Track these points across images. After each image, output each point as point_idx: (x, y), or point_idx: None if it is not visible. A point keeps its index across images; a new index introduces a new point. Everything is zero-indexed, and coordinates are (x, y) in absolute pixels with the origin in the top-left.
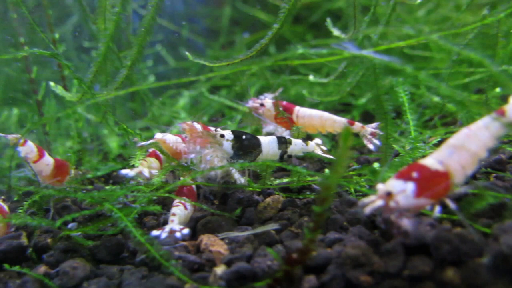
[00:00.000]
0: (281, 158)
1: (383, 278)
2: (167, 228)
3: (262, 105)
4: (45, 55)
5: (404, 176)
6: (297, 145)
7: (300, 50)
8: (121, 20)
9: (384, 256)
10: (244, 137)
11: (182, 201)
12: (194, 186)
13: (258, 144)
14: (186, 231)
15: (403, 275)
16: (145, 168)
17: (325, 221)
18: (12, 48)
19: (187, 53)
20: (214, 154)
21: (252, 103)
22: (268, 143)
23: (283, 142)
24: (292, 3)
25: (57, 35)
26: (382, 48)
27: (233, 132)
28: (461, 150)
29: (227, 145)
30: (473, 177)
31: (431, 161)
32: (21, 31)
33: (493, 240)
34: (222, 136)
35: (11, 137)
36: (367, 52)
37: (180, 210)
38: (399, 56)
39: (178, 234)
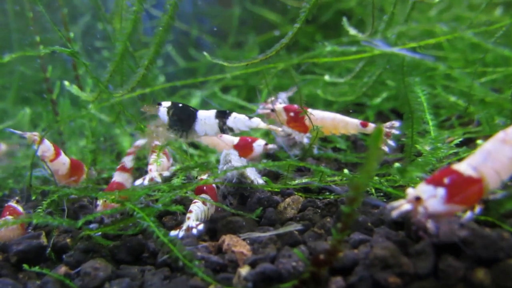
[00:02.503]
0: (222, 131)
1: (412, 280)
2: (184, 226)
3: (273, 110)
4: (57, 54)
5: (435, 182)
6: (236, 118)
7: (329, 48)
8: (139, 20)
9: (413, 257)
10: (180, 105)
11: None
12: (214, 185)
13: (193, 112)
14: (201, 226)
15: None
16: (156, 173)
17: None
18: (28, 47)
19: (205, 53)
20: (154, 125)
21: (262, 108)
22: (204, 113)
23: (221, 114)
24: (313, 3)
25: (72, 34)
26: (407, 46)
27: (172, 102)
28: (496, 155)
29: (163, 112)
30: None
31: (464, 167)
32: (36, 29)
33: None
34: (159, 104)
35: (29, 134)
36: (398, 50)
37: (198, 207)
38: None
39: (194, 231)
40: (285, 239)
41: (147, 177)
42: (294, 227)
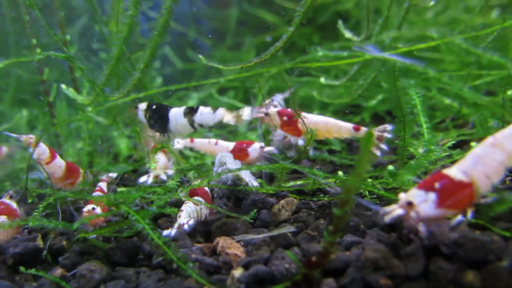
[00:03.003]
0: (193, 128)
1: (402, 282)
2: (176, 224)
3: (266, 114)
4: (54, 57)
5: (426, 187)
6: (203, 114)
7: (321, 53)
8: (134, 23)
9: (404, 259)
10: (154, 107)
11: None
12: (207, 189)
13: (166, 112)
14: (191, 222)
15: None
16: (161, 171)
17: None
18: (25, 50)
19: (200, 56)
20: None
21: (256, 112)
22: (175, 113)
23: (187, 112)
24: (308, 6)
25: (68, 37)
26: (399, 51)
27: (147, 104)
28: (486, 159)
29: (141, 115)
30: None
31: (455, 172)
32: (32, 32)
33: None
34: (136, 107)
35: (24, 137)
36: (389, 55)
37: (189, 206)
38: (408, 58)
39: (185, 227)
40: (278, 241)
41: (152, 174)
42: (288, 229)
